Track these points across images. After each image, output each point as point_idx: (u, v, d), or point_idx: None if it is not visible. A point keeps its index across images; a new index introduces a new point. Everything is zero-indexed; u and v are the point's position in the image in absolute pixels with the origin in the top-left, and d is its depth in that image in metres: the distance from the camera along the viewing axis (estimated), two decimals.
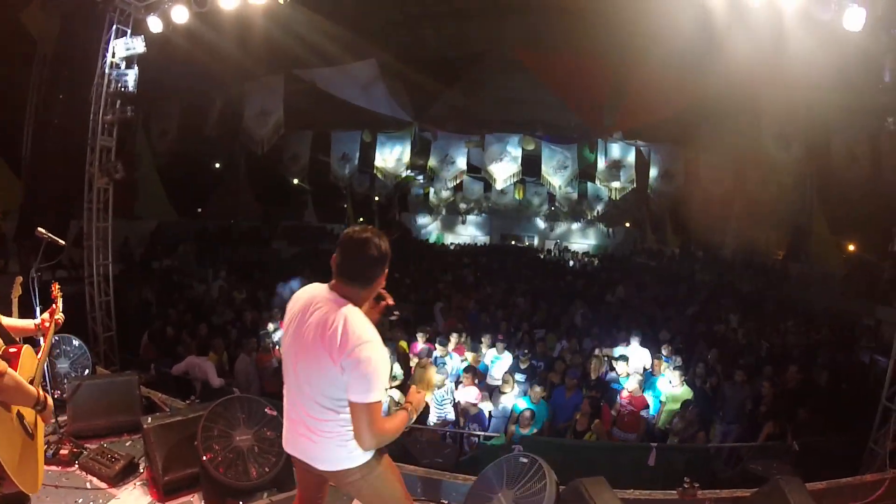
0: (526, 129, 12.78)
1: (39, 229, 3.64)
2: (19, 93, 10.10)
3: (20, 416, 2.24)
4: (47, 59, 9.85)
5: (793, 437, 5.17)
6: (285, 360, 2.19)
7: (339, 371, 1.95)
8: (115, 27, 6.45)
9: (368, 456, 2.12)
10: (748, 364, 7.40)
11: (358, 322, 2.00)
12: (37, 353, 2.40)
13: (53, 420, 3.98)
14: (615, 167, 12.58)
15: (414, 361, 7.01)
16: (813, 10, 4.92)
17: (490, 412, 6.36)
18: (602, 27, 7.88)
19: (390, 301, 2.31)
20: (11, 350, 2.23)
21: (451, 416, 6.23)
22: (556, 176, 12.84)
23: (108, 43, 6.46)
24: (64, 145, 8.24)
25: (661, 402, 6.54)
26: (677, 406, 6.17)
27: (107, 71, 6.49)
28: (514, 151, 12.81)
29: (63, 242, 3.73)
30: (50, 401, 2.34)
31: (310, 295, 2.13)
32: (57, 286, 2.72)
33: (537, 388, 6.06)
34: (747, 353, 8.24)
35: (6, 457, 2.09)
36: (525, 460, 3.09)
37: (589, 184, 16.30)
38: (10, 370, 2.06)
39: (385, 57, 10.03)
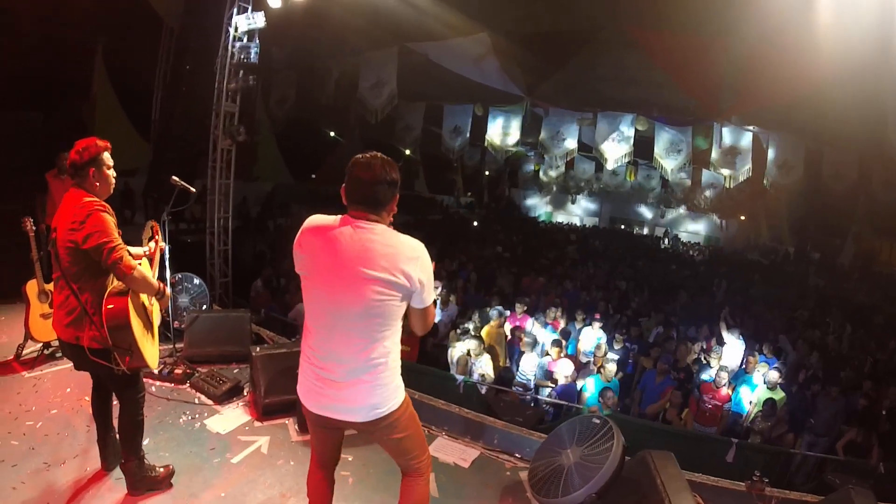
0: (640, 109, 12.16)
1: (174, 178, 4.12)
2: (146, 64, 11.11)
3: (143, 306, 2.78)
4: (174, 33, 10.77)
5: (879, 459, 4.86)
6: (319, 305, 2.04)
7: (410, 286, 1.96)
8: (237, 4, 6.92)
9: (403, 395, 2.16)
10: (848, 377, 7.06)
11: (401, 235, 2.04)
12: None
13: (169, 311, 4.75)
14: (730, 154, 11.72)
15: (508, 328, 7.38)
16: None
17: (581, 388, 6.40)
18: (718, 3, 7.39)
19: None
20: None
21: (532, 383, 6.44)
22: (668, 159, 12.14)
23: (230, 19, 6.95)
24: (189, 110, 9.08)
25: (750, 401, 6.33)
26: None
27: (230, 44, 6.99)
28: (627, 131, 12.24)
29: (194, 190, 4.19)
30: (168, 291, 2.90)
31: (329, 226, 2.02)
32: (156, 224, 3.21)
33: (609, 367, 6.03)
34: (848, 366, 7.79)
35: (139, 335, 2.62)
36: (597, 421, 3.17)
37: (704, 171, 15.46)
38: (138, 267, 2.62)
39: (497, 32, 9.92)
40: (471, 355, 6.25)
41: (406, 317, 2.14)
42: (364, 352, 2.00)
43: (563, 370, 6.13)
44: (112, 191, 2.75)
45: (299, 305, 6.97)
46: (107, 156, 2.68)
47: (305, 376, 2.14)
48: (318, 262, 2.00)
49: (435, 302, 7.70)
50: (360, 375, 2.03)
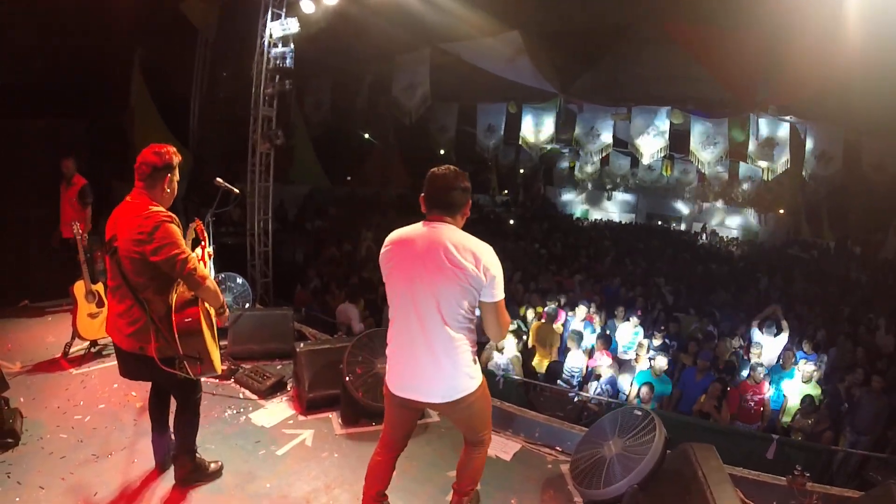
0: (675, 102, 12.02)
1: (218, 179, 4.22)
2: (183, 72, 11.38)
3: (208, 313, 2.80)
4: (209, 43, 11.04)
5: None
6: (402, 299, 2.29)
7: (481, 277, 2.18)
8: (270, 10, 7.06)
9: (479, 380, 2.38)
10: (891, 374, 6.80)
11: (470, 236, 2.27)
12: None
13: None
14: (768, 145, 11.49)
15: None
16: None
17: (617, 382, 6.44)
18: None
19: None
20: None
21: (577, 380, 6.47)
22: (704, 152, 11.97)
23: (265, 25, 7.09)
24: (227, 117, 9.33)
25: (785, 396, 6.23)
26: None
27: (265, 49, 7.13)
28: (662, 125, 12.09)
29: (238, 191, 4.30)
30: (227, 307, 2.93)
31: (409, 233, 2.30)
32: (201, 224, 3.13)
33: (659, 361, 6.03)
34: (891, 363, 7.50)
35: (210, 343, 2.67)
36: (639, 413, 3.18)
37: (741, 164, 15.13)
38: (210, 278, 2.65)
39: (528, 30, 9.91)
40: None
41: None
42: (439, 336, 2.23)
43: (603, 364, 6.16)
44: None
45: (342, 306, 7.11)
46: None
47: (391, 361, 2.42)
48: (398, 258, 2.28)
49: None
50: (436, 358, 2.26)
